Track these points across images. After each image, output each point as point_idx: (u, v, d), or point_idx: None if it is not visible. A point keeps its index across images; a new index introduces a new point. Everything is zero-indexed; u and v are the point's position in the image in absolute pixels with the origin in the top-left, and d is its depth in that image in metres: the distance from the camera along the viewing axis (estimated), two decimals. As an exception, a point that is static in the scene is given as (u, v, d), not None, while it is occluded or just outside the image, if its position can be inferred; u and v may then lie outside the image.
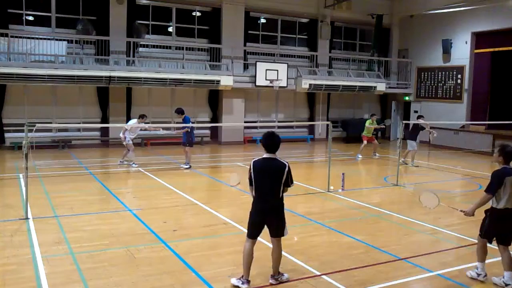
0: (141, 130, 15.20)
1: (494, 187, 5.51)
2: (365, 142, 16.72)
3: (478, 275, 5.76)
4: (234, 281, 5.46)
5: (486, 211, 5.76)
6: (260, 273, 5.78)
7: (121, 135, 13.81)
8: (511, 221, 5.60)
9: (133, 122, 14.14)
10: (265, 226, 5.48)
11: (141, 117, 13.67)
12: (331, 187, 10.84)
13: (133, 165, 13.71)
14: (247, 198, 10.30)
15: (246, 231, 5.49)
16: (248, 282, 5.40)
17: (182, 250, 6.58)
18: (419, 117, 16.18)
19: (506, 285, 5.56)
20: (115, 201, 9.60)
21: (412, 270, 6.10)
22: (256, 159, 5.43)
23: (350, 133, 22.33)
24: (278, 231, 5.45)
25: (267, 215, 5.41)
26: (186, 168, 13.54)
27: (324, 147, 19.76)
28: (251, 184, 5.42)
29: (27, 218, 7.90)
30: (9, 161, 14.48)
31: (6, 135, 16.61)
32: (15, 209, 8.52)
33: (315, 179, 12.49)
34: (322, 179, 11.42)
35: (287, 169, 5.31)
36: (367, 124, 16.91)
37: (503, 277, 5.62)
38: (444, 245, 7.31)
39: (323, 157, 17.56)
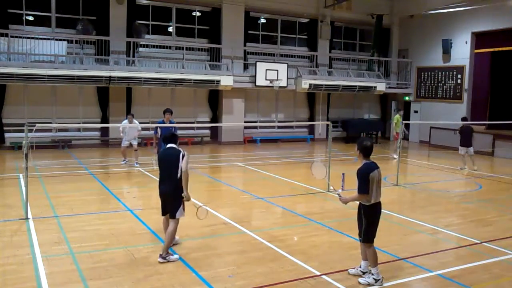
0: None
1: (365, 187, 5.46)
2: (398, 139, 15.09)
3: (376, 280, 5.48)
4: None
5: (359, 215, 5.65)
6: (260, 273, 5.79)
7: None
8: (380, 213, 5.64)
9: (124, 123, 13.97)
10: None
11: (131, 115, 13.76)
12: (331, 187, 10.81)
13: (122, 162, 13.91)
14: (247, 199, 10.38)
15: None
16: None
17: (182, 250, 6.58)
18: (463, 118, 15.62)
19: (376, 280, 5.50)
20: (115, 201, 9.59)
21: (412, 270, 6.09)
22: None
23: (350, 133, 22.30)
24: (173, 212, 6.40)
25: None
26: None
27: (324, 147, 19.76)
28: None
29: (27, 218, 7.89)
30: (9, 161, 14.46)
31: (6, 135, 16.58)
32: (15, 209, 8.51)
33: (315, 179, 12.43)
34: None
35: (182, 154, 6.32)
36: (395, 120, 17.08)
37: (372, 274, 5.54)
38: (444, 245, 7.29)
39: (323, 157, 17.53)
